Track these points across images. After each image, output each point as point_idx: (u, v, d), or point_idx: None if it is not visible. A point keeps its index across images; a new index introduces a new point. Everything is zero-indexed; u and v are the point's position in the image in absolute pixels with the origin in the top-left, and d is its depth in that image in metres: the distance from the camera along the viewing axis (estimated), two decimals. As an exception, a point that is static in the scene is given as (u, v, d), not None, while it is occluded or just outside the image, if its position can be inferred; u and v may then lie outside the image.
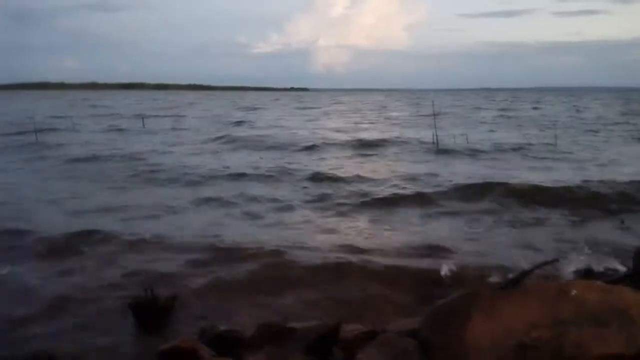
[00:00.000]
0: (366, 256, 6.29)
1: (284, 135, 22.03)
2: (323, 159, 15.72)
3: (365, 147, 18.18)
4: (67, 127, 25.76)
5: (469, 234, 7.45)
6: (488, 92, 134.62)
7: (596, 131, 23.77)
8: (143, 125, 26.72)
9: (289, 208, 9.15)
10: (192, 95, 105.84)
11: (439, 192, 10.07)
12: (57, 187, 11.21)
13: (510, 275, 4.50)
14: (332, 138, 20.73)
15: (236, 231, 7.52)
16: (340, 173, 12.45)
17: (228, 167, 13.48)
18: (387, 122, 31.67)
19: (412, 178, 11.82)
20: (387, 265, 5.95)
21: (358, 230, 7.73)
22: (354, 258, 6.19)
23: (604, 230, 7.59)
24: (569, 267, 5.52)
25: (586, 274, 5.15)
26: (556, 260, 4.28)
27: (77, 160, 15.04)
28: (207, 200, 9.66)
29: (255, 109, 50.38)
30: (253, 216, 8.53)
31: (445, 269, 5.77)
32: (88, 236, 7.05)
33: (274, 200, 9.71)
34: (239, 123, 30.31)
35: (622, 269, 4.54)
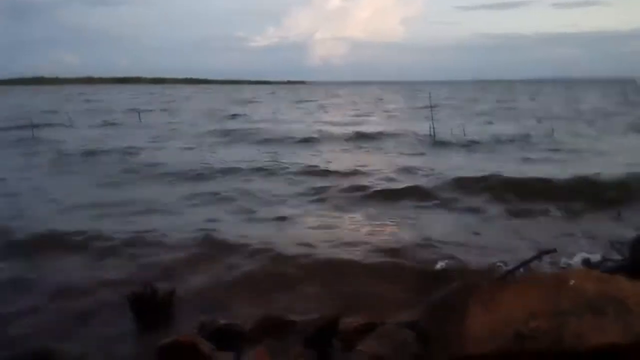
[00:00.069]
0: (363, 251, 6.29)
1: (280, 129, 22.00)
2: (320, 152, 15.71)
3: (362, 139, 18.21)
4: (62, 122, 25.64)
5: (467, 227, 7.46)
6: (485, 84, 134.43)
7: (593, 122, 23.79)
8: (139, 119, 26.65)
9: (285, 202, 9.13)
10: (188, 89, 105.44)
11: (436, 185, 10.06)
12: (52, 182, 11.19)
13: (509, 266, 4.52)
14: (329, 131, 20.73)
15: (232, 226, 7.49)
16: (336, 166, 12.45)
17: (223, 162, 13.45)
18: (383, 115, 31.66)
19: (409, 171, 11.84)
20: (385, 260, 5.95)
21: (355, 225, 7.72)
22: (351, 253, 6.19)
23: (601, 221, 7.62)
24: (567, 258, 5.55)
25: (584, 263, 5.17)
26: (554, 250, 4.30)
27: (71, 155, 14.99)
28: (203, 195, 9.63)
29: (252, 102, 50.27)
30: (249, 211, 8.50)
31: (442, 263, 5.78)
32: (83, 232, 6.99)
33: (270, 194, 9.70)
34: (234, 116, 30.26)
35: (619, 258, 4.56)
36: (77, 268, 5.92)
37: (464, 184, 9.92)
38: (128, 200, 9.19)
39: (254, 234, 6.96)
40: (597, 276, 3.27)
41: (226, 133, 20.73)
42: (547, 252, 4.17)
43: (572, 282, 3.11)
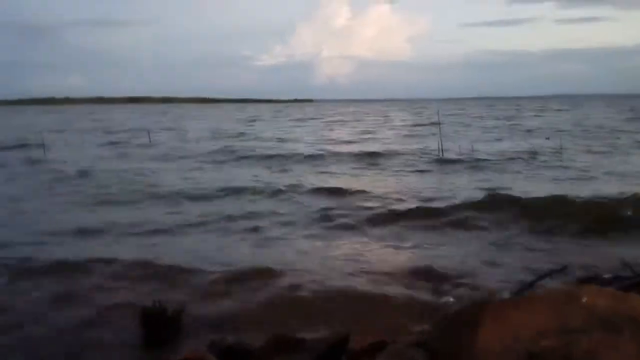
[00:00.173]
0: (372, 274, 6.23)
1: (286, 147, 22.05)
2: (326, 171, 15.61)
3: (368, 158, 18.05)
4: (70, 141, 25.88)
5: (478, 247, 7.41)
6: (491, 101, 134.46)
7: (602, 139, 23.63)
8: (149, 140, 26.76)
9: (292, 224, 9.02)
10: (196, 108, 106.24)
11: (444, 205, 9.88)
12: (58, 205, 11.10)
13: (520, 284, 4.49)
14: (335, 150, 20.69)
15: (239, 249, 7.47)
16: (343, 186, 12.29)
17: (230, 181, 13.39)
18: (390, 132, 31.69)
19: (417, 191, 11.71)
20: (394, 282, 5.90)
21: (363, 247, 7.62)
22: (360, 277, 6.14)
23: (612, 239, 7.54)
24: (578, 275, 5.49)
25: (595, 281, 5.11)
26: (565, 267, 4.27)
27: (77, 175, 14.87)
28: (208, 216, 9.47)
29: (259, 120, 50.55)
30: (256, 233, 8.39)
31: (453, 285, 5.73)
32: (89, 256, 6.88)
33: (277, 215, 9.61)
34: (241, 135, 30.44)
35: (630, 276, 4.52)
36: (84, 291, 5.80)
37: (473, 204, 9.77)
38: (135, 221, 9.10)
39: (261, 257, 6.92)
40: (610, 293, 3.23)
41: (232, 152, 20.79)
42: (558, 270, 4.15)
43: (584, 299, 3.08)
